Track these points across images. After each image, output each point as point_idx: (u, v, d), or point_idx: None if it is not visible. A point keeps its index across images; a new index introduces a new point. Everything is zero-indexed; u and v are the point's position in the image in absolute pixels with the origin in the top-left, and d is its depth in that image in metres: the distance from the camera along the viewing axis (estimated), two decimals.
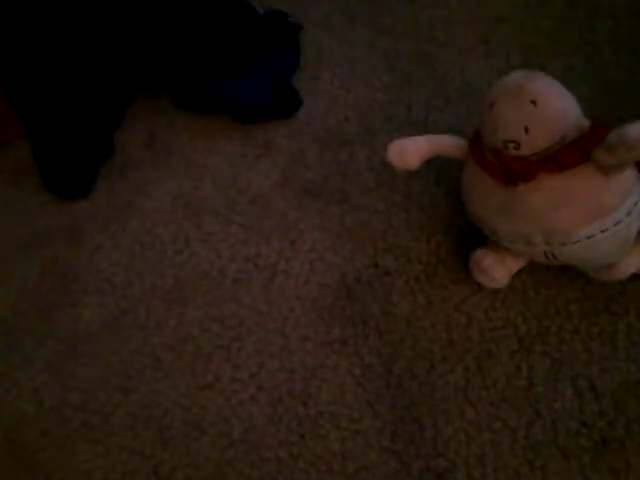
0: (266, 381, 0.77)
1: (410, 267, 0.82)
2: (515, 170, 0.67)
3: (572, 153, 0.65)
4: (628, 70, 0.95)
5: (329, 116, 0.96)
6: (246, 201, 0.90)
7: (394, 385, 0.75)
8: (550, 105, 0.66)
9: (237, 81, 0.96)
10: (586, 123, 0.67)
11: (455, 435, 0.72)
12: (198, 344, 0.80)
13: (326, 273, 0.83)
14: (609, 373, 0.73)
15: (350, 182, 0.90)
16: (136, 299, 0.84)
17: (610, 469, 0.68)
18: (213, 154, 0.95)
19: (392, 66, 1.00)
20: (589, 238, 0.67)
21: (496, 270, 0.76)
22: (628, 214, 0.67)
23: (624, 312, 0.77)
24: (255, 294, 0.83)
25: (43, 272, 0.87)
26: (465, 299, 0.79)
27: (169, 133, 0.97)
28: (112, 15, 0.92)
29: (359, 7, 1.07)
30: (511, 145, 0.66)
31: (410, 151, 0.76)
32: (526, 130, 0.65)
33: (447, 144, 0.77)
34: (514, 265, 0.77)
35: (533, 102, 0.65)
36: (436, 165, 0.85)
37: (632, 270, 0.74)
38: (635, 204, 0.67)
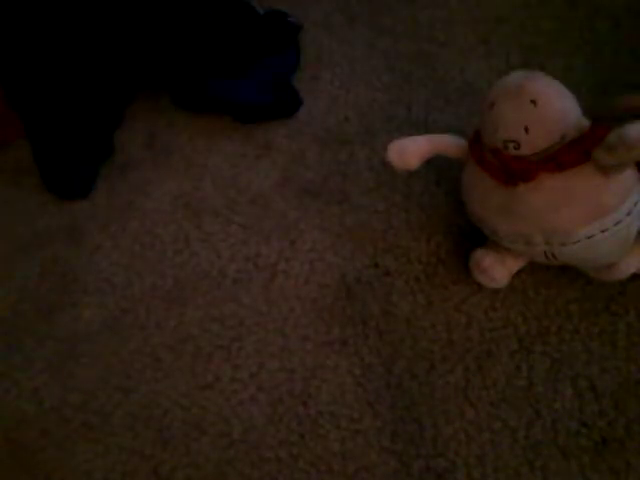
0: (266, 381, 0.77)
1: (410, 267, 0.82)
2: (515, 170, 0.67)
3: (572, 153, 0.65)
4: (628, 70, 0.95)
5: (329, 116, 0.96)
6: (246, 201, 0.90)
7: (394, 385, 0.75)
8: (550, 105, 0.66)
9: (237, 81, 0.96)
10: (586, 123, 0.67)
11: (455, 435, 0.72)
12: (198, 344, 0.80)
13: (326, 273, 0.83)
14: (609, 373, 0.73)
15: (350, 182, 0.90)
16: (136, 299, 0.84)
17: (610, 469, 0.68)
18: (213, 154, 0.95)
19: (392, 66, 1.00)
20: (589, 238, 0.67)
21: (496, 270, 0.76)
22: (628, 214, 0.67)
23: (624, 312, 0.77)
24: (255, 294, 0.83)
25: (43, 272, 0.87)
26: (465, 299, 0.79)
27: (169, 133, 0.97)
28: (112, 15, 0.92)
29: (359, 7, 1.07)
30: (511, 145, 0.66)
31: (410, 151, 0.76)
32: (526, 130, 0.65)
33: (447, 144, 0.77)
34: (514, 265, 0.77)
35: (533, 102, 0.65)
36: (436, 165, 0.85)
37: (632, 270, 0.74)
38: (635, 204, 0.67)
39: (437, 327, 0.78)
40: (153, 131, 0.98)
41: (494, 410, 0.73)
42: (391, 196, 0.88)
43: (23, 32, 0.91)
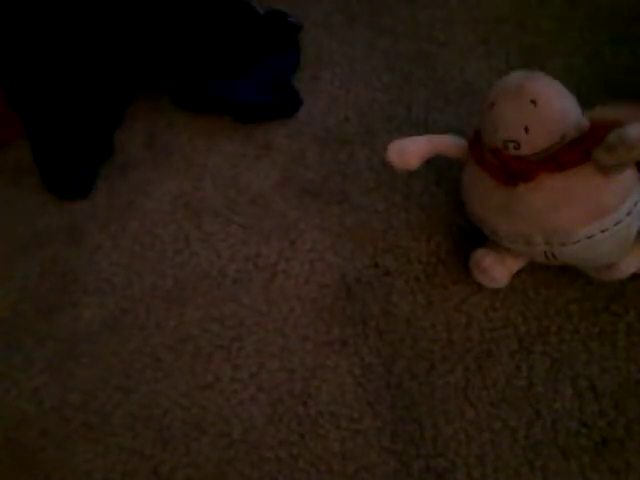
0: (266, 381, 0.77)
1: (410, 267, 0.82)
2: (515, 170, 0.67)
3: (572, 153, 0.65)
4: (628, 70, 0.95)
5: (329, 116, 0.96)
6: (246, 201, 0.90)
7: (394, 385, 0.75)
8: (550, 105, 0.66)
9: (237, 81, 0.96)
10: (586, 123, 0.67)
11: (455, 435, 0.72)
12: (198, 344, 0.80)
13: (326, 273, 0.83)
14: (609, 373, 0.73)
15: (350, 182, 0.90)
16: (136, 299, 0.84)
17: (610, 469, 0.68)
18: (213, 154, 0.95)
19: (392, 66, 1.00)
20: (589, 238, 0.67)
21: (496, 270, 0.76)
22: (628, 214, 0.67)
23: (624, 312, 0.77)
24: (255, 294, 0.83)
25: (43, 272, 0.87)
26: (465, 299, 0.79)
27: (169, 133, 0.97)
28: (112, 15, 0.92)
29: (359, 7, 1.07)
30: (511, 145, 0.66)
31: (410, 151, 0.76)
32: (526, 130, 0.65)
33: (447, 144, 0.77)
34: (514, 265, 0.77)
35: (533, 102, 0.65)
36: (436, 165, 0.85)
37: (632, 270, 0.74)
38: (635, 204, 0.67)
39: (437, 327, 0.78)
40: (153, 131, 0.98)
41: (494, 410, 0.73)
42: (391, 196, 0.88)
43: (23, 32, 0.91)
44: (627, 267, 0.73)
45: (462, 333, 0.77)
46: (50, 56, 0.92)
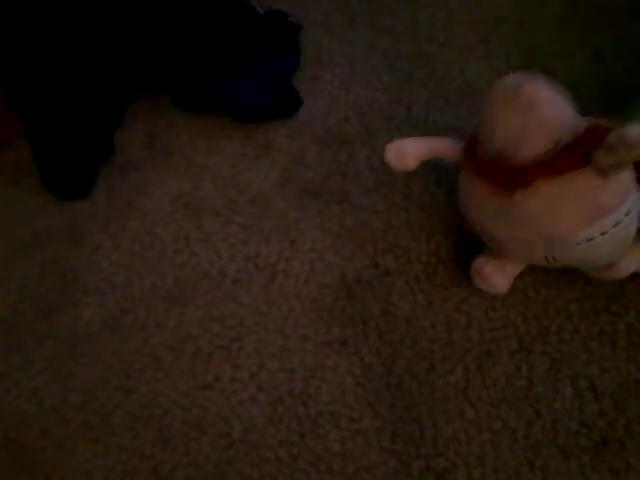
0: (266, 381, 0.77)
1: (410, 267, 0.82)
2: (512, 176, 0.66)
3: (569, 157, 0.65)
4: (628, 70, 0.95)
5: (329, 116, 0.97)
6: (246, 201, 0.90)
7: (394, 385, 0.75)
8: (547, 110, 0.65)
9: (237, 81, 0.96)
10: (582, 123, 0.67)
11: (455, 435, 0.72)
12: (198, 344, 0.80)
13: (326, 273, 0.83)
14: (609, 373, 0.73)
15: (350, 182, 0.90)
16: (136, 299, 0.84)
17: (610, 469, 0.68)
18: (213, 154, 0.95)
19: (392, 66, 1.00)
20: (589, 240, 0.67)
21: (497, 278, 0.76)
22: (627, 214, 0.67)
23: (624, 312, 0.77)
24: (255, 294, 0.83)
25: (43, 272, 0.87)
26: (465, 299, 0.79)
27: (169, 133, 0.97)
28: (112, 15, 0.92)
29: (359, 7, 1.07)
30: (508, 150, 0.66)
31: (408, 152, 0.76)
32: (523, 135, 0.65)
33: (445, 147, 0.77)
34: (514, 270, 0.77)
35: (530, 106, 0.65)
36: (436, 165, 0.85)
37: (632, 269, 0.74)
38: (633, 204, 0.67)
39: (437, 327, 0.78)
40: (153, 131, 0.98)
41: (494, 410, 0.73)
42: (391, 196, 0.88)
43: (23, 32, 0.91)
44: (627, 266, 0.73)
45: (462, 333, 0.77)
46: (50, 56, 0.92)
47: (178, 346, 0.80)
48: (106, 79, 0.95)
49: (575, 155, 0.65)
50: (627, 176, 0.66)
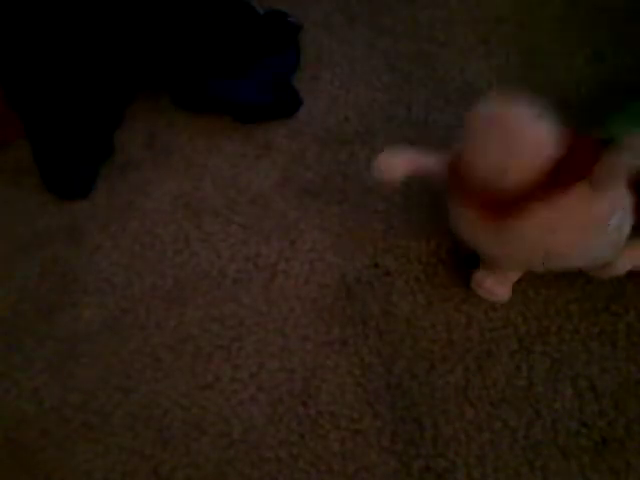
0: (266, 381, 0.77)
1: (410, 267, 0.82)
2: (502, 205, 0.65)
3: (562, 178, 0.63)
4: (628, 70, 0.95)
5: (329, 116, 0.96)
6: (246, 201, 0.90)
7: (394, 385, 0.75)
8: (529, 138, 0.63)
9: (237, 81, 0.96)
10: (564, 142, 0.63)
11: (455, 435, 0.72)
12: (198, 344, 0.80)
13: (326, 273, 0.83)
14: (609, 373, 0.73)
15: (350, 182, 0.90)
16: (136, 299, 0.84)
17: (610, 469, 0.68)
18: (213, 154, 0.95)
19: (392, 66, 1.00)
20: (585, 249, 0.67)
21: (498, 288, 0.76)
22: (619, 218, 0.67)
23: (624, 312, 0.77)
24: (255, 294, 0.83)
25: (43, 272, 0.87)
26: (465, 299, 0.79)
27: (169, 133, 0.97)
28: (112, 15, 0.92)
29: (359, 7, 1.07)
30: (493, 180, 0.64)
31: (397, 161, 0.73)
32: (507, 166, 0.62)
33: (431, 168, 0.73)
34: (513, 277, 0.76)
35: (511, 137, 0.62)
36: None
37: (628, 267, 0.73)
38: (624, 207, 0.67)
39: (437, 327, 0.78)
40: (153, 131, 0.98)
41: (494, 410, 0.73)
42: (391, 196, 0.88)
43: (23, 32, 0.91)
44: (623, 265, 0.73)
45: (462, 333, 0.77)
46: (50, 56, 0.92)
47: (178, 346, 0.80)
48: (106, 79, 0.95)
49: (567, 176, 0.63)
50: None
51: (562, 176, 0.63)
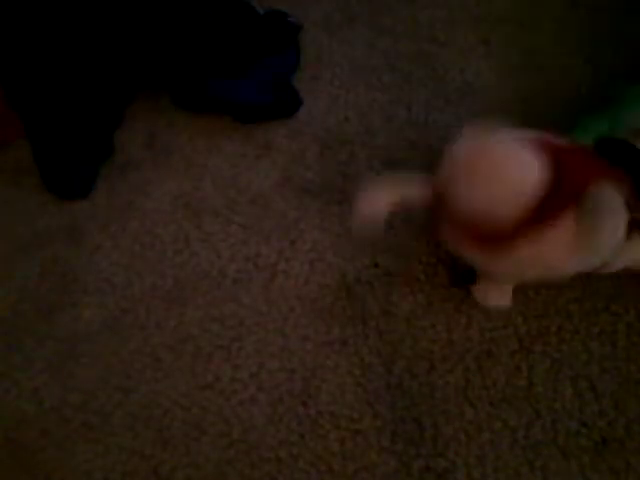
0: (266, 381, 0.77)
1: (410, 267, 0.82)
2: (490, 241, 0.64)
3: (550, 212, 0.61)
4: (628, 70, 0.95)
5: (329, 116, 0.96)
6: (246, 201, 0.90)
7: (394, 385, 0.75)
8: (513, 175, 0.61)
9: (237, 81, 0.96)
10: (548, 174, 0.61)
11: (455, 435, 0.72)
12: (198, 344, 0.80)
13: (326, 273, 0.83)
14: (609, 373, 0.73)
15: (350, 182, 0.90)
16: (136, 299, 0.84)
17: (610, 469, 0.68)
18: (213, 154, 0.95)
19: (392, 66, 1.00)
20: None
21: (499, 299, 0.77)
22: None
23: (624, 312, 0.77)
24: (255, 294, 0.83)
25: (43, 272, 0.87)
26: (465, 299, 0.79)
27: (169, 133, 0.97)
28: (112, 15, 0.92)
29: (359, 7, 1.07)
30: (478, 218, 0.63)
31: (377, 203, 0.70)
32: (492, 205, 0.61)
33: (414, 198, 0.71)
34: (512, 285, 0.77)
35: (494, 176, 0.61)
36: (436, 164, 0.85)
37: (622, 265, 0.73)
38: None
39: (437, 327, 0.78)
40: (153, 131, 0.98)
41: (494, 410, 0.73)
42: None
43: (23, 32, 0.91)
44: (620, 263, 0.73)
45: (462, 333, 0.77)
46: (50, 56, 0.92)
47: (178, 346, 0.80)
48: (106, 79, 0.95)
49: (555, 210, 0.61)
50: None
51: (548, 212, 0.61)
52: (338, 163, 0.92)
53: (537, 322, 0.77)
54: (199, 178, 0.93)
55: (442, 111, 0.95)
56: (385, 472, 0.71)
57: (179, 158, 0.95)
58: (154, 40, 0.94)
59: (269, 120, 0.96)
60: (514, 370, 0.75)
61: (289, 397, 0.76)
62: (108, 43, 0.93)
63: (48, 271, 0.87)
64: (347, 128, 0.95)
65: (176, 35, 0.94)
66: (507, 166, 0.62)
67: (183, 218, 0.90)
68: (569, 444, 0.70)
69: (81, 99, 0.93)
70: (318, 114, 0.97)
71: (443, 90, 0.97)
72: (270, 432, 0.74)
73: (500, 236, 0.63)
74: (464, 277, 0.79)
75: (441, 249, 0.83)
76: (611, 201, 0.60)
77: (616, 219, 0.60)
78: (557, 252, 0.64)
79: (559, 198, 0.61)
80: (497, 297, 0.76)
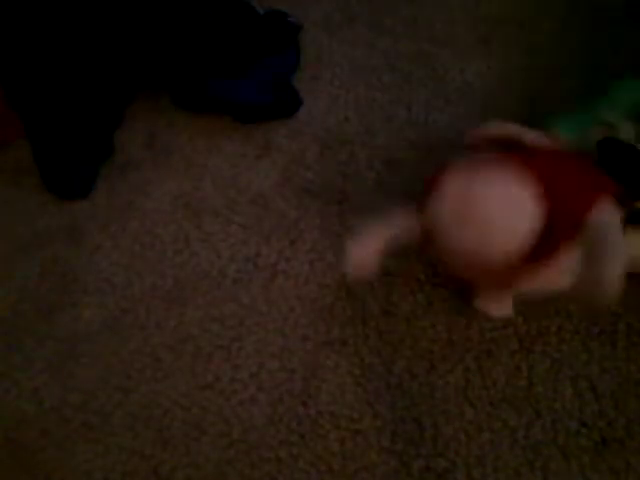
0: (266, 381, 0.77)
1: (410, 267, 0.82)
2: (482, 275, 0.64)
3: (543, 252, 0.60)
4: (628, 70, 0.95)
5: (329, 116, 0.96)
6: (246, 201, 0.90)
7: (394, 385, 0.75)
8: (505, 214, 0.59)
9: (237, 81, 0.96)
10: (543, 209, 0.59)
11: (455, 435, 0.72)
12: (198, 344, 0.80)
13: (326, 273, 0.83)
14: (609, 373, 0.73)
15: (350, 182, 0.90)
16: (136, 299, 0.84)
17: (610, 469, 0.68)
18: (213, 154, 0.95)
19: (392, 66, 1.00)
20: None
21: (501, 309, 0.76)
22: None
23: (624, 312, 0.77)
24: (255, 294, 0.83)
25: (43, 272, 0.87)
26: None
27: (169, 133, 0.97)
28: (112, 15, 0.92)
29: (359, 7, 1.07)
30: (470, 263, 0.62)
31: (366, 255, 0.69)
32: (485, 249, 0.59)
33: (403, 236, 0.70)
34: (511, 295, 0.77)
35: (485, 219, 0.58)
36: (436, 164, 0.85)
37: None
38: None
39: (437, 327, 0.78)
40: (153, 131, 0.98)
41: (494, 410, 0.73)
42: (391, 196, 0.88)
43: (23, 32, 0.91)
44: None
45: (462, 333, 0.77)
46: (50, 56, 0.92)
47: (178, 346, 0.80)
48: (106, 79, 0.95)
49: (550, 248, 0.60)
50: None
51: (543, 250, 0.60)
52: (338, 163, 0.92)
53: (537, 322, 0.77)
54: (199, 178, 0.93)
55: (442, 111, 0.95)
56: (385, 472, 0.71)
57: (179, 158, 0.95)
58: (154, 40, 0.94)
59: (269, 120, 0.96)
60: (514, 370, 0.75)
61: (289, 397, 0.76)
62: (108, 43, 0.93)
63: (48, 271, 0.87)
64: (347, 128, 0.95)
65: (176, 35, 0.94)
66: (500, 217, 0.58)
67: (183, 218, 0.90)
68: (569, 444, 0.70)
69: (81, 99, 0.93)
70: (318, 114, 0.97)
71: (443, 90, 0.97)
72: (270, 432, 0.74)
73: (495, 271, 0.62)
74: (462, 291, 0.79)
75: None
76: (611, 232, 0.58)
77: (619, 249, 0.58)
78: (556, 280, 0.65)
79: (554, 234, 0.59)
80: (498, 308, 0.76)
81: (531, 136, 0.67)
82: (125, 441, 0.75)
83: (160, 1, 0.94)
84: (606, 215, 0.59)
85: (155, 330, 0.81)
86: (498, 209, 0.58)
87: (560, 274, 0.64)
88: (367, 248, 0.69)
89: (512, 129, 0.68)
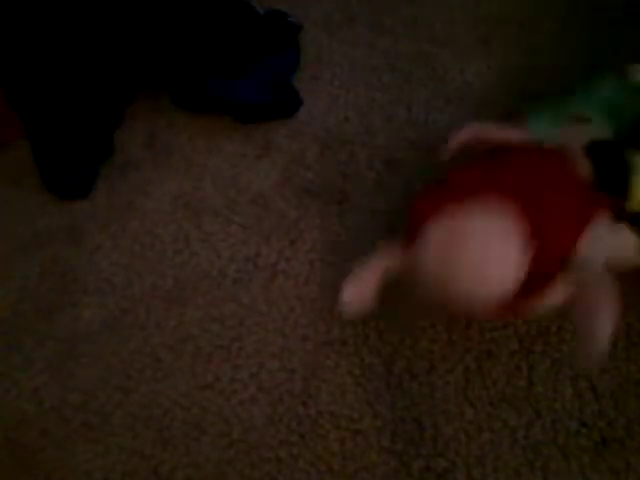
0: (266, 381, 0.77)
1: None
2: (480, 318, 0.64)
3: (539, 285, 0.61)
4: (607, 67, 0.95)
5: (329, 116, 0.96)
6: (246, 201, 0.90)
7: (394, 385, 0.75)
8: (497, 253, 0.58)
9: (237, 81, 0.96)
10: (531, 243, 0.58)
11: (455, 435, 0.72)
12: (198, 344, 0.80)
13: (326, 273, 0.83)
14: (609, 373, 0.73)
15: (350, 182, 0.90)
16: (136, 299, 0.84)
17: (610, 469, 0.68)
18: (213, 154, 0.95)
19: (392, 66, 1.00)
20: None
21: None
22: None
23: (624, 312, 0.76)
24: (255, 294, 0.83)
25: (43, 272, 0.87)
26: None
27: (169, 133, 0.97)
28: (112, 15, 0.92)
29: (359, 7, 1.07)
30: (464, 302, 0.61)
31: (362, 293, 0.70)
32: (478, 289, 0.59)
33: (395, 267, 0.69)
34: None
35: (477, 262, 0.58)
36: (436, 163, 0.85)
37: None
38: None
39: (437, 327, 0.78)
40: (153, 131, 0.98)
41: (494, 410, 0.73)
42: (391, 196, 0.88)
43: (23, 32, 0.91)
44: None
45: (462, 333, 0.77)
46: (50, 56, 0.92)
47: (178, 346, 0.80)
48: (106, 79, 0.95)
49: (538, 285, 0.60)
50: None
51: (531, 289, 0.60)
52: (338, 163, 0.92)
53: (537, 322, 0.77)
54: (199, 178, 0.93)
55: (442, 111, 0.95)
56: (385, 472, 0.71)
57: (179, 158, 0.95)
58: (154, 40, 0.94)
59: (269, 120, 0.96)
60: (514, 370, 0.75)
61: (289, 397, 0.76)
62: (108, 43, 0.93)
63: (48, 271, 0.87)
64: (347, 128, 0.95)
65: (176, 35, 0.94)
66: (486, 262, 0.58)
67: (183, 218, 0.90)
68: (569, 444, 0.70)
69: (81, 99, 0.93)
70: (318, 114, 0.97)
71: (443, 90, 0.97)
72: (270, 432, 0.74)
73: (484, 309, 0.63)
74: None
75: None
76: (601, 291, 0.59)
77: (609, 315, 0.58)
78: (548, 306, 0.65)
79: (542, 273, 0.59)
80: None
81: (513, 136, 0.67)
82: (125, 441, 0.75)
83: (160, 1, 0.94)
84: (593, 248, 0.59)
85: (155, 330, 0.81)
86: (483, 255, 0.58)
87: (554, 298, 0.64)
88: (363, 284, 0.70)
89: (492, 132, 0.68)
